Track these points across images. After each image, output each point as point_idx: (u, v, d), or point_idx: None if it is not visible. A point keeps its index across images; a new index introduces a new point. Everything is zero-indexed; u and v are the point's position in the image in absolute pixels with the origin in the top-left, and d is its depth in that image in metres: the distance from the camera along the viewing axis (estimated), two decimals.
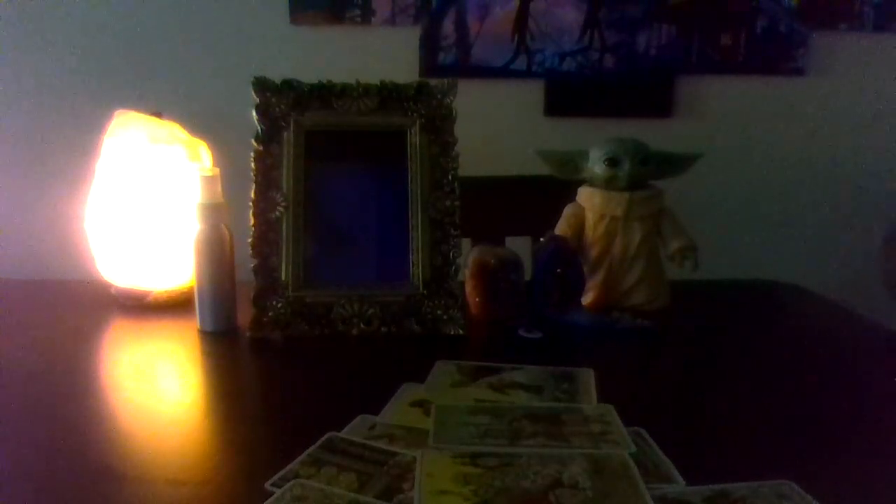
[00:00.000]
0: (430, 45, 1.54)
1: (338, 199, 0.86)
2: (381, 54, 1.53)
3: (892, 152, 1.58)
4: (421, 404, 0.63)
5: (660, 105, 1.58)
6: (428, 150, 0.85)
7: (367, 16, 1.54)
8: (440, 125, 0.86)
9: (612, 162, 0.88)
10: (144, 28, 1.56)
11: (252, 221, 0.83)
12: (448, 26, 1.54)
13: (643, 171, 0.88)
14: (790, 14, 1.54)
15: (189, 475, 0.53)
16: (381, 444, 0.55)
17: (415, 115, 0.86)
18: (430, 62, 1.55)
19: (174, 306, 0.92)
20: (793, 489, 0.49)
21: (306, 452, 0.54)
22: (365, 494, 0.48)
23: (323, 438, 0.56)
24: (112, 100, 1.00)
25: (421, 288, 0.83)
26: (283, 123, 0.85)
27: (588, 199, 0.90)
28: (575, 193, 0.92)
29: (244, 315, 0.83)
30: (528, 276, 0.86)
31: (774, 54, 1.56)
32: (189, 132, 0.94)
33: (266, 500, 0.48)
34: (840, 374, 0.73)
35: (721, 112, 1.59)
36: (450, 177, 0.85)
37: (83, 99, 1.55)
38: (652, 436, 0.57)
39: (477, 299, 0.84)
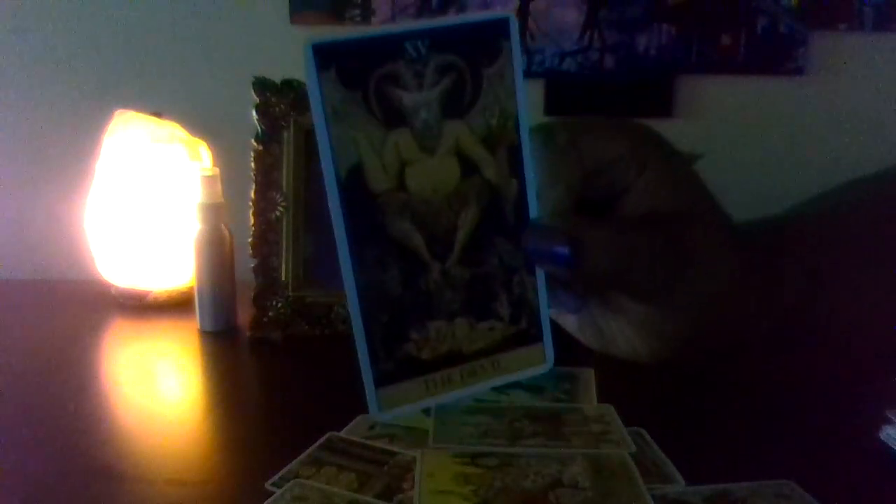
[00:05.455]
0: None
1: None
2: None
3: (892, 152, 1.58)
4: None
5: (660, 105, 1.58)
6: None
7: (367, 16, 1.54)
8: None
9: None
10: (144, 28, 1.55)
11: (252, 221, 0.83)
12: None
13: None
14: (790, 14, 1.54)
15: (189, 475, 0.53)
16: (381, 444, 0.55)
17: None
18: None
19: (174, 306, 0.92)
20: (793, 489, 0.49)
21: (306, 452, 0.54)
22: (365, 494, 0.48)
23: (323, 438, 0.56)
24: (112, 100, 1.00)
25: None
26: (283, 123, 0.85)
27: None
28: None
29: (244, 315, 0.83)
30: None
31: (774, 54, 1.56)
32: (189, 132, 0.94)
33: (266, 500, 0.48)
34: (841, 372, 0.73)
35: (721, 112, 1.59)
36: None
37: (83, 99, 1.55)
38: (652, 436, 0.57)
39: None
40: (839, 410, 0.64)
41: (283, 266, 0.83)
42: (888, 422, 0.54)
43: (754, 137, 1.60)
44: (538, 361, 0.49)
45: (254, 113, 0.85)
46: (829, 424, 0.62)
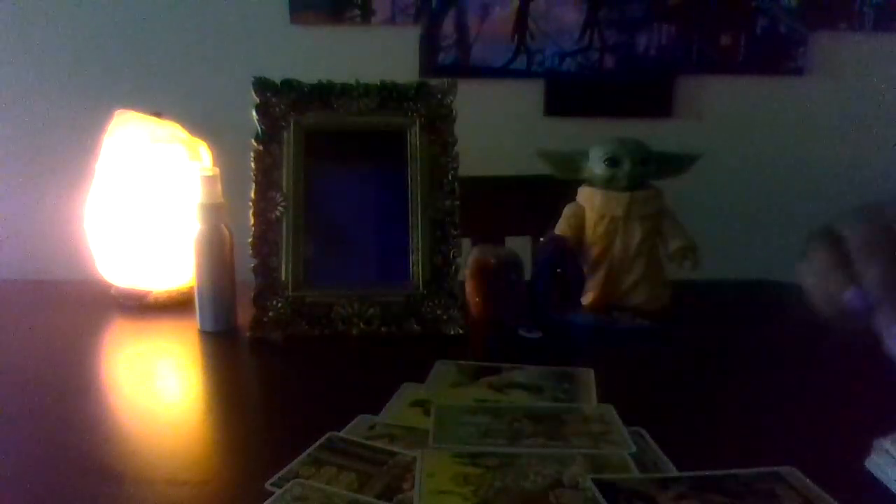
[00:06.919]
0: (430, 45, 1.54)
1: (338, 199, 0.86)
2: (381, 54, 1.53)
3: (891, 152, 1.58)
4: (421, 404, 0.63)
5: (660, 105, 1.58)
6: (428, 150, 0.85)
7: (366, 15, 1.54)
8: (440, 125, 0.86)
9: (612, 162, 0.88)
10: (144, 28, 1.56)
11: (252, 221, 0.83)
12: (448, 26, 1.54)
13: (643, 171, 0.88)
14: (790, 14, 1.54)
15: (189, 475, 0.53)
16: (381, 444, 0.55)
17: (415, 115, 0.86)
18: (430, 62, 1.55)
19: (174, 306, 0.92)
20: (794, 474, 0.50)
21: (306, 452, 0.54)
22: (365, 494, 0.48)
23: (323, 438, 0.56)
24: (112, 100, 1.00)
25: (421, 288, 0.83)
26: (283, 123, 0.85)
27: (588, 199, 0.90)
28: (575, 193, 0.92)
29: (244, 315, 0.83)
30: (528, 276, 0.86)
31: (774, 54, 1.56)
32: (189, 132, 0.94)
33: (266, 500, 0.48)
34: (840, 372, 0.73)
35: (721, 112, 1.59)
36: (450, 177, 0.85)
37: (83, 99, 1.55)
38: (652, 436, 0.57)
39: (477, 299, 0.84)
40: (840, 408, 0.64)
41: (283, 266, 0.83)
42: (875, 450, 0.54)
43: (754, 137, 1.60)
44: None
45: (254, 113, 0.85)
46: (831, 423, 0.62)
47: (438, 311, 0.82)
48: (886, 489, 0.51)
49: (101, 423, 0.63)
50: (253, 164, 0.84)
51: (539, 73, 1.55)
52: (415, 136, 0.85)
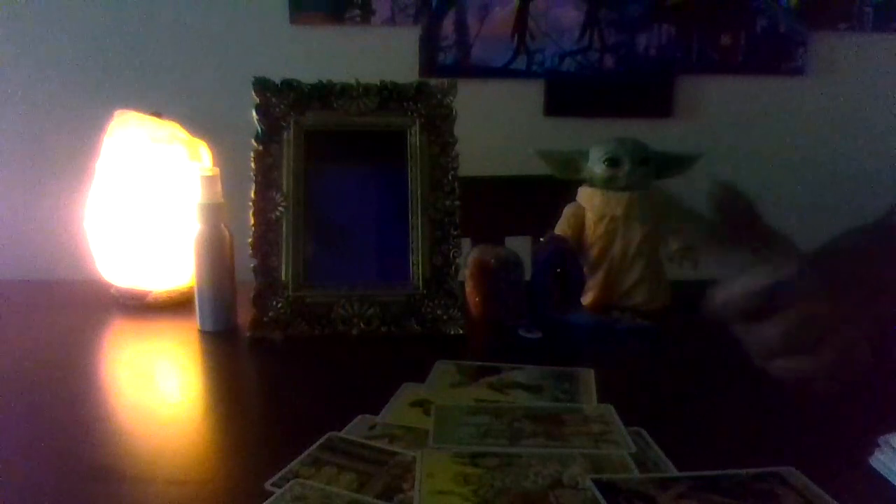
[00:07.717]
0: (430, 45, 1.54)
1: (338, 199, 0.86)
2: (381, 54, 1.53)
3: (890, 152, 1.59)
4: (421, 404, 0.63)
5: (660, 105, 1.58)
6: (428, 150, 0.85)
7: (366, 16, 1.54)
8: (440, 125, 0.86)
9: (612, 162, 0.88)
10: (144, 28, 1.56)
11: (252, 221, 0.83)
12: (448, 26, 1.54)
13: (643, 171, 0.88)
14: (790, 14, 1.54)
15: (189, 475, 0.53)
16: (381, 444, 0.55)
17: (415, 115, 0.86)
18: (430, 62, 1.55)
19: (174, 306, 0.92)
20: (792, 474, 0.50)
21: (306, 452, 0.54)
22: (365, 494, 0.48)
23: (323, 438, 0.56)
24: (112, 100, 1.00)
25: (421, 288, 0.83)
26: (283, 123, 0.85)
27: (588, 199, 0.90)
28: (575, 193, 0.92)
29: (244, 315, 0.83)
30: (528, 276, 0.86)
31: (774, 54, 1.56)
32: (189, 132, 0.94)
33: (266, 500, 0.48)
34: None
35: (721, 112, 1.59)
36: (450, 177, 0.85)
37: (83, 99, 1.56)
38: (652, 436, 0.57)
39: (477, 299, 0.84)
40: (841, 408, 0.64)
41: (283, 266, 0.83)
42: (879, 447, 0.54)
43: (754, 137, 1.61)
44: None
45: (254, 113, 0.85)
46: (832, 423, 0.62)
47: (438, 311, 0.82)
48: (888, 488, 0.51)
49: (100, 422, 0.63)
50: (253, 164, 0.84)
51: (539, 73, 1.56)
52: (415, 136, 0.85)
